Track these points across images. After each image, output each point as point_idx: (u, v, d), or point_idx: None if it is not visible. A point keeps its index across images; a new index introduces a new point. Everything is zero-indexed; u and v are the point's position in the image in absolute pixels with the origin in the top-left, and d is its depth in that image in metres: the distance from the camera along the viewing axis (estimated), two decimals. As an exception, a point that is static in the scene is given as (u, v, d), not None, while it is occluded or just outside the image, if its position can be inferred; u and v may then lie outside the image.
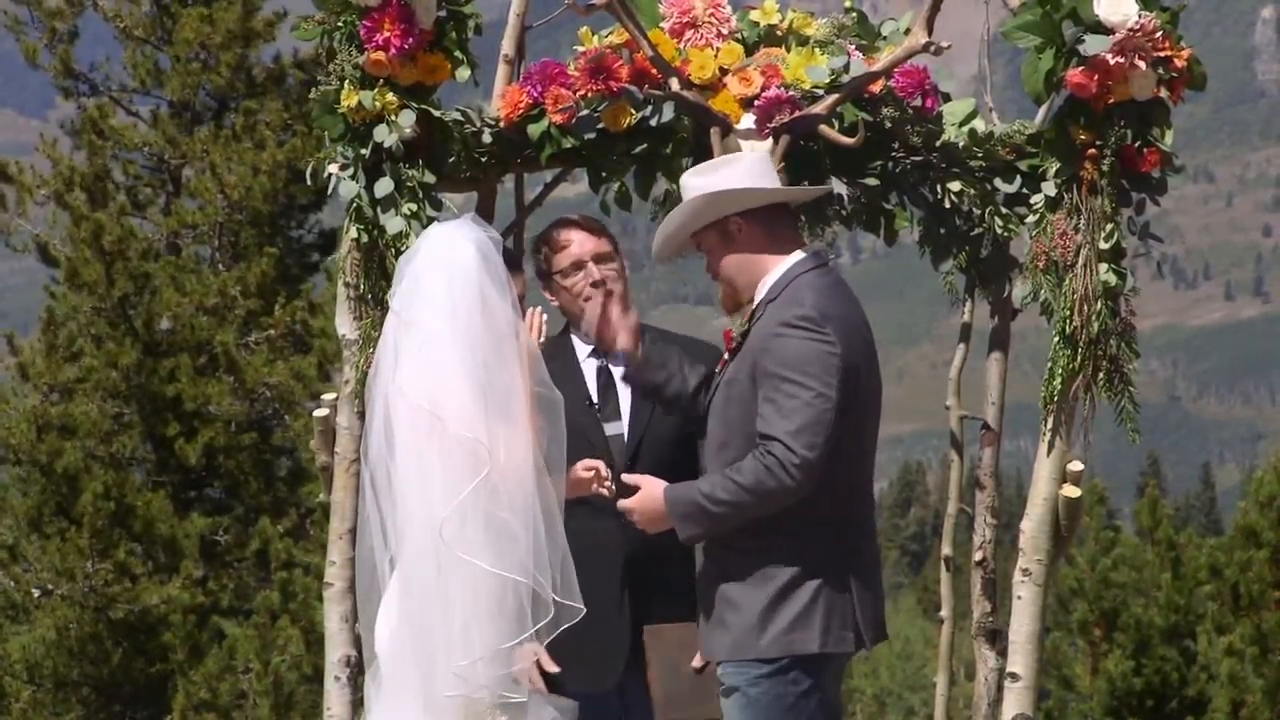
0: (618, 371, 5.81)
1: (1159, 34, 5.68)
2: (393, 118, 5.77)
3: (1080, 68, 5.70)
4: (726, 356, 5.34)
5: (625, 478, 5.36)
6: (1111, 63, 5.66)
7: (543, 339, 5.51)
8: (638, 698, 5.77)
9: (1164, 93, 5.77)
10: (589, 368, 5.88)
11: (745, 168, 5.35)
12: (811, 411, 5.05)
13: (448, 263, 5.21)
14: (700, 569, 5.34)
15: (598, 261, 5.82)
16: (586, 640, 5.67)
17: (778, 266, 5.30)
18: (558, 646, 5.68)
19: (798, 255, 5.31)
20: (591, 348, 5.86)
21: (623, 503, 5.32)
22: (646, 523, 5.30)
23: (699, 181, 5.34)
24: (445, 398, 5.12)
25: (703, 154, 5.86)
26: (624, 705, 5.81)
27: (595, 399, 5.82)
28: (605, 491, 5.49)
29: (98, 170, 16.05)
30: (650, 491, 5.27)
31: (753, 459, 5.08)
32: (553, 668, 5.66)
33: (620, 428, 5.80)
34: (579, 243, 5.84)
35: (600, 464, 5.52)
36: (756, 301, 5.30)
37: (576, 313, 5.84)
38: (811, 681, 5.17)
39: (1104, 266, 5.79)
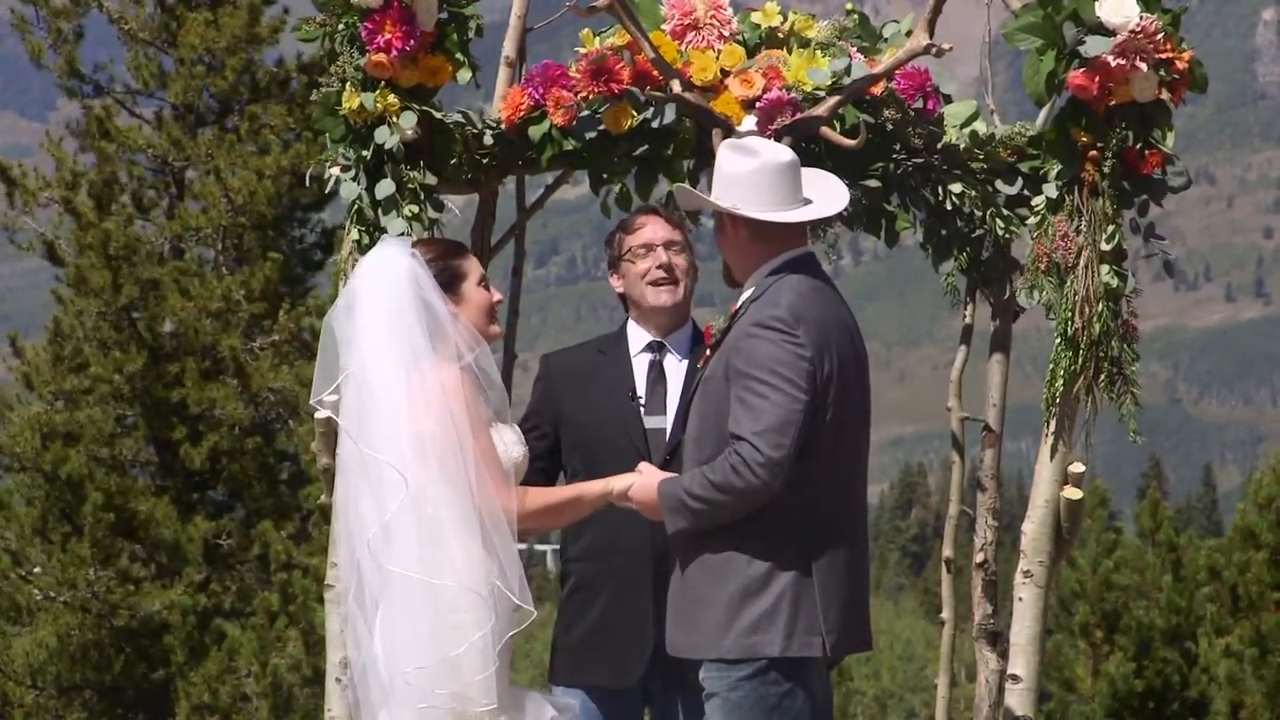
0: (670, 364, 5.86)
1: (1160, 36, 5.69)
2: (394, 119, 5.77)
3: (1081, 69, 5.70)
4: (708, 352, 5.37)
5: (642, 467, 5.40)
6: (1113, 64, 5.66)
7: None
8: (662, 696, 5.78)
9: (1165, 95, 5.77)
10: (640, 361, 5.92)
11: (742, 176, 5.28)
12: (779, 412, 5.06)
13: (374, 281, 5.32)
14: (675, 564, 5.32)
15: (667, 248, 5.88)
16: (612, 637, 5.72)
17: (768, 263, 5.31)
18: (584, 641, 5.71)
19: (788, 254, 5.31)
20: (647, 340, 5.92)
21: (622, 487, 5.35)
22: (645, 511, 5.34)
23: (724, 162, 5.32)
24: (369, 419, 5.21)
25: (704, 156, 5.87)
26: (647, 703, 5.84)
27: (641, 392, 5.86)
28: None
29: (106, 177, 16.01)
30: (649, 481, 5.31)
31: (723, 457, 5.10)
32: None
33: (663, 422, 5.83)
34: (652, 228, 5.91)
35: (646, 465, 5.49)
36: (743, 298, 5.31)
37: (637, 297, 5.89)
38: (793, 682, 5.14)
39: (1105, 268, 5.79)
